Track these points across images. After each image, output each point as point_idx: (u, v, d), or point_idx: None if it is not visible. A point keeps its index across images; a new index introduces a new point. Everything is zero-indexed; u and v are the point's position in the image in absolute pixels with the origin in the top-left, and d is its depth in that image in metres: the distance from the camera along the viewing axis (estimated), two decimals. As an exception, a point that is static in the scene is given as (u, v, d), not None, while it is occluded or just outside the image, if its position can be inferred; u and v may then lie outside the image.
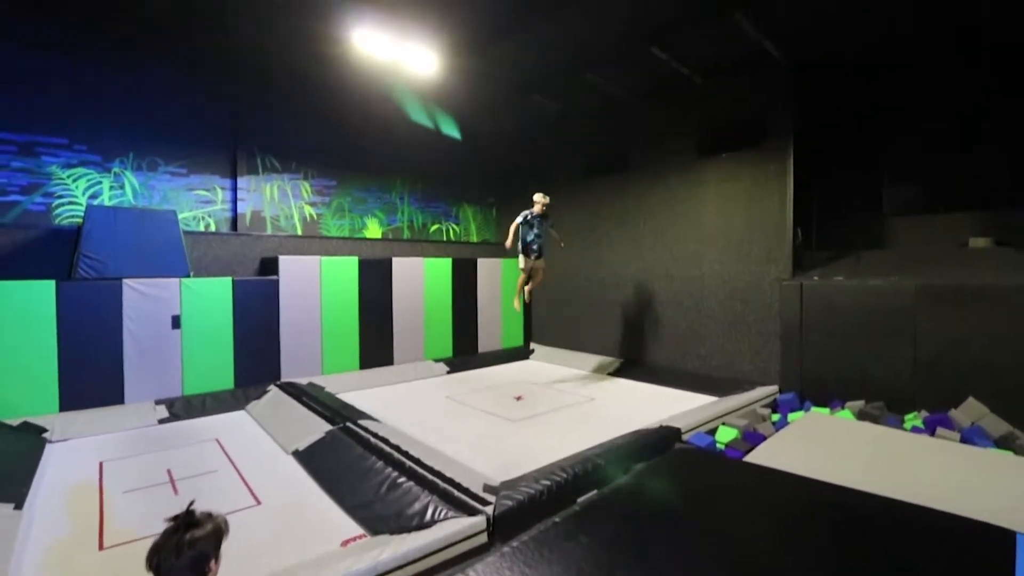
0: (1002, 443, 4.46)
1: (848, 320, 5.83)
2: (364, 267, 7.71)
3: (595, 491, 3.55)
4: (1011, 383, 4.81)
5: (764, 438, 4.68)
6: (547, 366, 8.74)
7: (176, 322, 6.10)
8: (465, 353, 8.85)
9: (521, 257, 6.95)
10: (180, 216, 6.75)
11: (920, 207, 6.68)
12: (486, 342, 9.24)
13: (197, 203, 7.20)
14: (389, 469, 3.86)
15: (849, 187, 7.15)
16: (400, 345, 8.07)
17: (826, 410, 5.48)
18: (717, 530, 2.86)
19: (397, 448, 4.15)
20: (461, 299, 8.87)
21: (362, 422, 4.85)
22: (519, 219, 6.79)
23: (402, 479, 3.69)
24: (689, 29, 6.06)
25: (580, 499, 3.42)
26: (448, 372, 8.17)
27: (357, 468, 4.03)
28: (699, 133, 7.49)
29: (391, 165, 9.20)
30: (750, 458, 4.04)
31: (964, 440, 4.52)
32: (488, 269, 9.29)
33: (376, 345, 7.81)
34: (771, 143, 6.69)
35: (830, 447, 4.20)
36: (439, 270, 8.59)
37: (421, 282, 8.34)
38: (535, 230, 6.89)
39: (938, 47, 6.11)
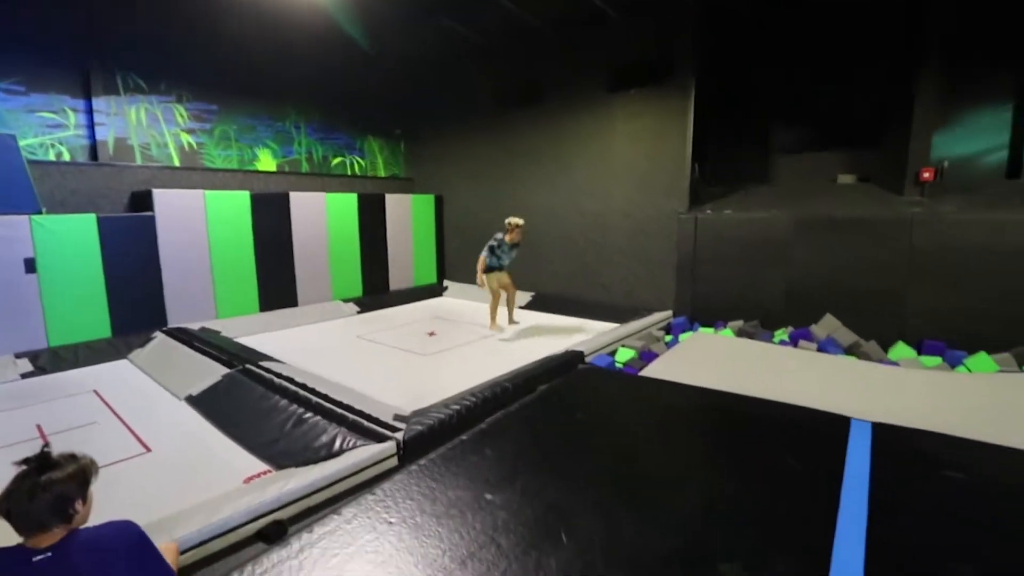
0: (850, 350, 5.23)
1: (734, 249, 6.38)
2: (257, 202, 7.09)
3: (502, 411, 3.71)
4: (860, 300, 5.61)
5: (657, 356, 5.12)
6: (461, 302, 8.80)
7: (30, 266, 5.30)
8: (376, 292, 8.64)
9: (486, 277, 6.21)
10: (22, 143, 5.71)
11: (800, 146, 7.30)
12: (397, 280, 9.06)
13: (43, 128, 6.10)
14: (295, 407, 3.75)
15: (742, 126, 7.62)
16: (304, 286, 7.68)
17: (711, 330, 6.07)
18: (612, 435, 3.13)
19: (303, 386, 4.02)
20: (369, 236, 8.52)
21: (263, 364, 4.62)
22: (486, 251, 6.17)
23: (308, 415, 3.61)
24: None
25: (487, 419, 3.56)
26: (359, 312, 7.95)
27: (259, 408, 3.87)
28: (610, 69, 7.50)
29: (284, 90, 8.33)
30: (644, 373, 4.42)
31: (820, 349, 5.25)
32: (397, 204, 8.95)
33: (277, 286, 7.36)
34: (675, 81, 6.86)
35: (712, 360, 4.69)
36: (344, 206, 8.12)
37: (324, 219, 7.87)
38: (503, 260, 6.29)
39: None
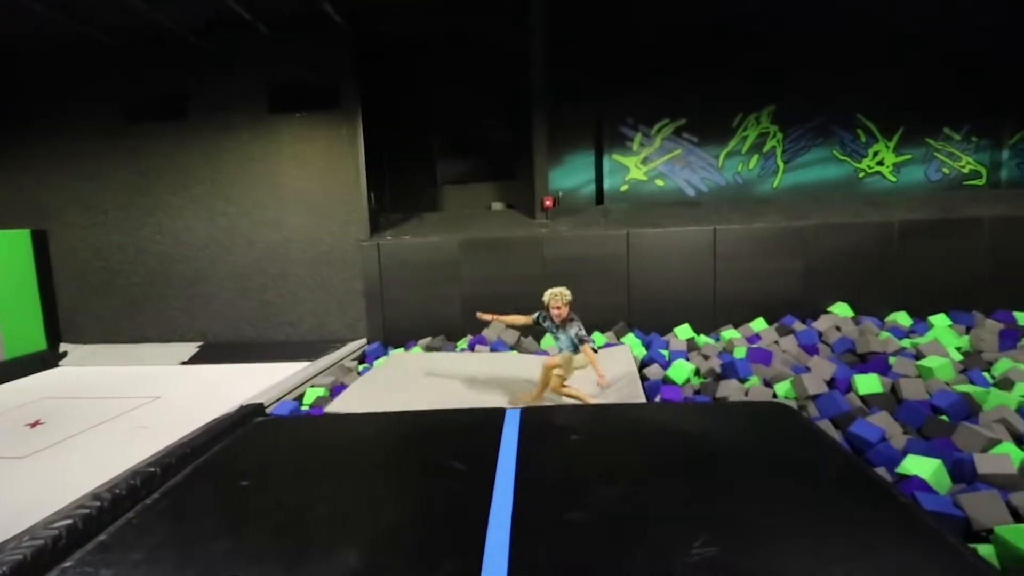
0: (514, 347, 6.14)
1: (416, 272, 6.75)
2: None
3: (139, 506, 2.85)
4: (515, 304, 6.64)
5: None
6: (90, 370, 6.68)
7: None
8: (-74, 379, 5.75)
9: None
10: None
11: (461, 178, 8.33)
12: (-26, 356, 6.27)
13: None
14: None
15: (414, 158, 8.21)
16: None
17: (401, 350, 6.24)
18: (281, 491, 2.75)
19: None
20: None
21: None
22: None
23: None
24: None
25: (111, 527, 2.68)
26: None
27: None
28: (270, 88, 6.96)
29: None
30: (329, 409, 4.15)
31: (493, 350, 5.99)
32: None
33: None
34: (343, 107, 6.86)
35: (401, 381, 4.77)
36: None
37: None
38: (558, 340, 4.20)
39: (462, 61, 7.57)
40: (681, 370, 4.88)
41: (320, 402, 4.69)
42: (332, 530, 2.29)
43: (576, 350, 3.99)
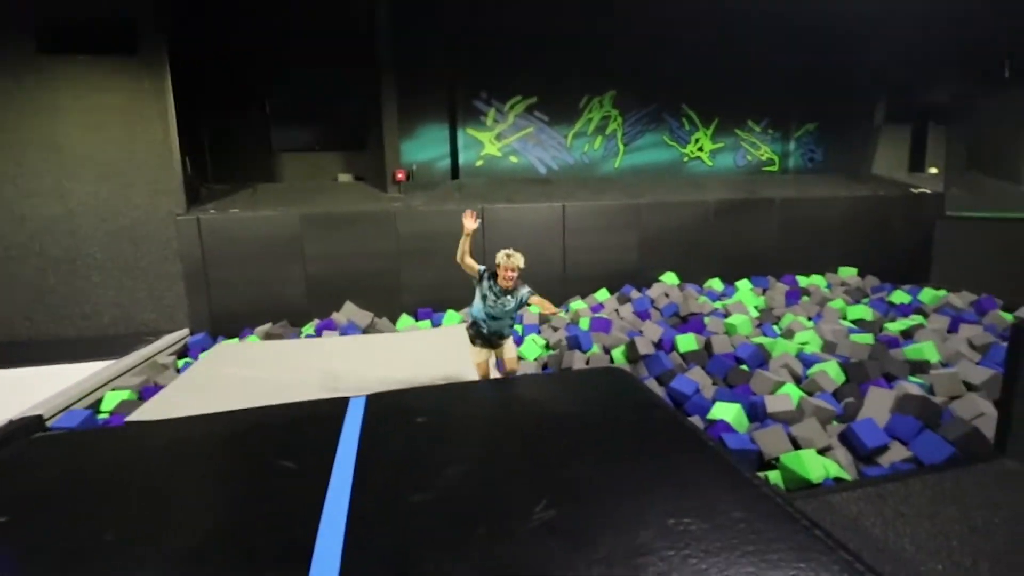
0: (367, 330, 5.80)
1: (249, 250, 5.98)
2: None
3: None
4: (370, 284, 6.30)
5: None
6: None
7: None
8: None
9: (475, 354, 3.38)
10: None
11: (302, 146, 7.54)
12: None
13: None
14: None
15: (243, 122, 7.20)
16: None
17: (235, 340, 5.53)
18: (58, 521, 2.22)
19: None
20: None
21: None
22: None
23: None
24: None
25: None
26: None
27: None
28: (38, 19, 5.48)
29: None
30: (133, 417, 3.48)
31: (343, 334, 5.59)
32: None
33: None
34: (145, 54, 5.68)
35: (228, 377, 4.19)
36: None
37: None
38: (500, 311, 3.17)
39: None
40: (533, 346, 5.04)
41: (125, 408, 3.92)
42: (122, 561, 1.90)
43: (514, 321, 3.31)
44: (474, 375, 3.45)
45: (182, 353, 5.40)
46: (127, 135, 5.75)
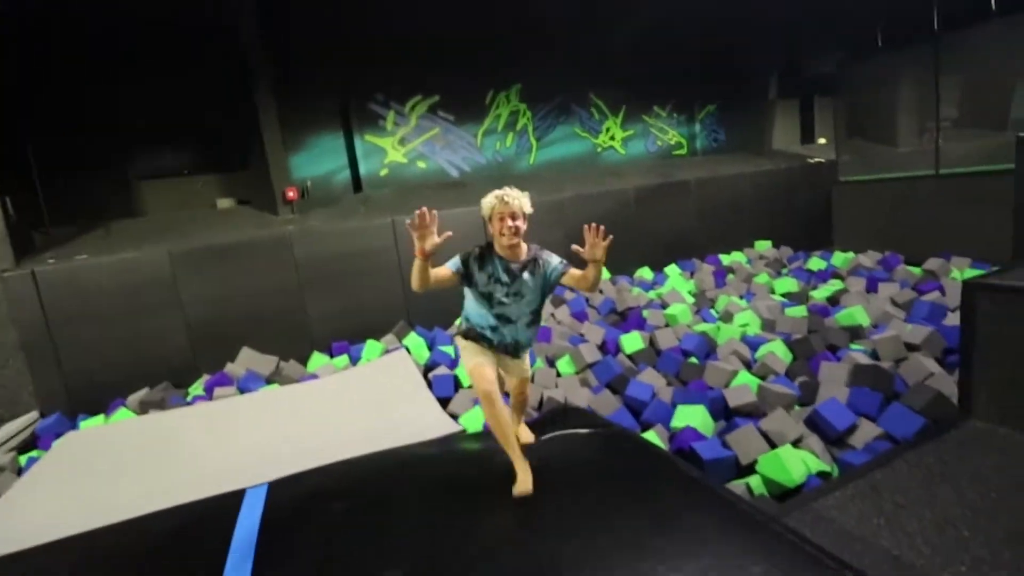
0: (271, 379, 4.91)
1: (107, 302, 4.88)
2: None
3: None
4: (271, 323, 5.41)
5: None
6: None
7: None
8: None
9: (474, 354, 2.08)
10: None
11: (167, 171, 6.41)
12: None
13: None
14: None
15: (86, 147, 5.96)
16: None
17: (101, 418, 4.45)
18: None
19: None
20: None
21: None
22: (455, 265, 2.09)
23: None
24: None
25: None
26: None
27: None
28: None
29: None
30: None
31: (241, 389, 4.67)
32: None
33: None
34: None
35: (81, 475, 3.25)
36: None
37: None
38: (516, 306, 2.06)
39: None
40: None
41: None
42: None
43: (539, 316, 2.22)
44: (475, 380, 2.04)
45: (27, 446, 4.24)
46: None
